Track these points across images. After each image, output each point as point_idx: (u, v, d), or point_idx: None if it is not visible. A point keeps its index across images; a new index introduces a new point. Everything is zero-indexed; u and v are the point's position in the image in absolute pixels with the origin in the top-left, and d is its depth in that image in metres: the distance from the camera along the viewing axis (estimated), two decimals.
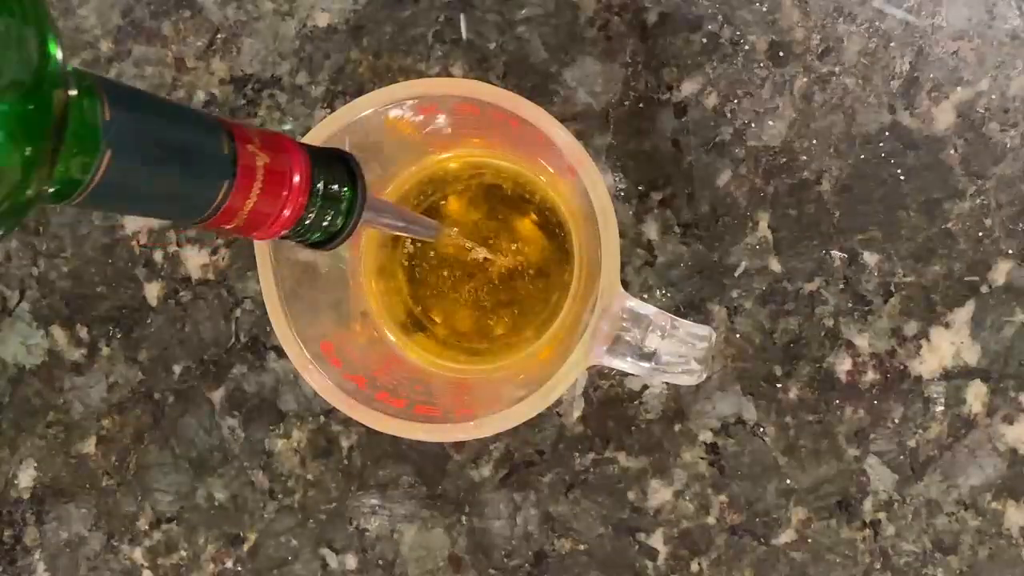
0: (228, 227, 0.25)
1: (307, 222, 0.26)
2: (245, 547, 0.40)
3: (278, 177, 0.25)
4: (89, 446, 0.41)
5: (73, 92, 0.20)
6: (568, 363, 0.29)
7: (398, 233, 0.31)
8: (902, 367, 0.38)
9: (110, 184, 0.21)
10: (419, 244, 0.37)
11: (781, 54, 0.38)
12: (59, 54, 0.19)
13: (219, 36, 0.40)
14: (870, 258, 0.38)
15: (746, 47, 0.38)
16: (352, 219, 0.27)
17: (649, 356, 0.30)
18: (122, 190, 0.22)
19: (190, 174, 0.23)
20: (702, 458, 0.38)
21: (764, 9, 0.38)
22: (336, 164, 0.27)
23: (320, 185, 0.26)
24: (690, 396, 0.38)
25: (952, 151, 0.38)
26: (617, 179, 0.39)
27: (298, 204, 0.26)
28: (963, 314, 0.38)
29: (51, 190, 0.21)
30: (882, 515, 0.38)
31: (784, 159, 0.38)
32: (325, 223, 0.27)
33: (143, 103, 0.23)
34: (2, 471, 0.41)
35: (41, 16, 0.19)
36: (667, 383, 0.38)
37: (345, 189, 0.27)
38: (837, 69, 0.38)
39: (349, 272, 0.36)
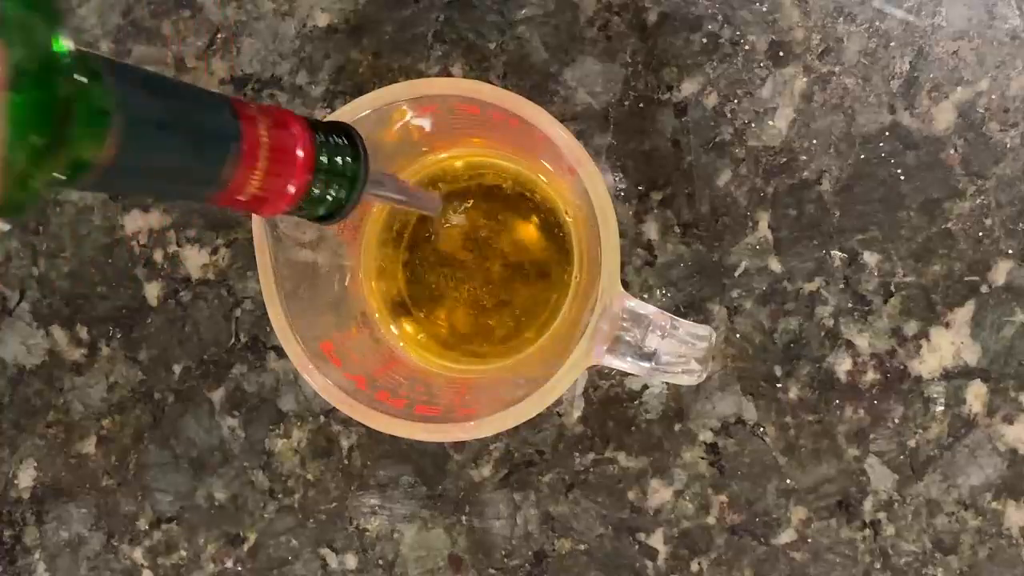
0: (238, 201, 0.25)
1: (313, 196, 0.26)
2: (245, 547, 0.40)
3: (282, 150, 0.25)
4: (89, 446, 0.41)
5: (81, 77, 0.20)
6: (568, 363, 0.29)
7: (401, 206, 0.31)
8: (902, 367, 0.38)
9: (120, 165, 0.21)
10: (419, 244, 0.37)
11: (781, 54, 0.38)
12: (64, 39, 0.19)
13: (219, 36, 0.40)
14: (870, 258, 0.38)
15: (746, 47, 0.38)
16: (356, 192, 0.27)
17: (649, 356, 0.30)
18: (132, 170, 0.22)
19: (198, 149, 0.23)
20: (702, 458, 0.38)
21: (764, 9, 0.38)
22: (339, 137, 0.27)
23: (324, 159, 0.26)
24: (690, 396, 0.38)
25: (952, 151, 0.38)
26: (617, 179, 0.39)
27: (303, 178, 0.26)
28: (963, 314, 0.38)
29: (62, 175, 0.21)
30: (882, 515, 0.38)
31: (784, 159, 0.38)
32: (330, 197, 0.27)
33: (149, 82, 0.23)
34: (2, 471, 0.41)
35: (45, 1, 0.19)
36: (667, 383, 0.38)
37: (349, 161, 0.27)
38: (837, 69, 0.38)
39: (349, 272, 0.36)
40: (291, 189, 0.26)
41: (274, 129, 0.25)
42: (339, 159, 0.27)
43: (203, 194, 0.24)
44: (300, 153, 0.25)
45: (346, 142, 0.27)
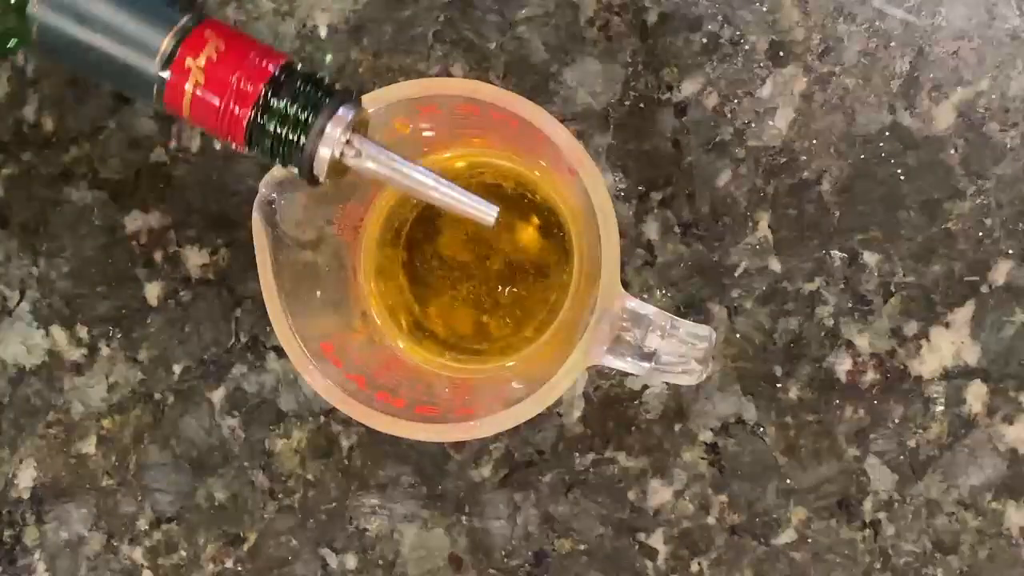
0: (181, 115, 0.26)
1: (266, 139, 0.27)
2: (245, 547, 0.40)
3: (221, 78, 0.26)
4: (89, 446, 0.41)
5: None
6: (568, 363, 0.29)
7: (442, 206, 0.29)
8: (902, 367, 0.38)
9: (48, 51, 0.26)
10: (419, 244, 0.37)
11: (781, 54, 0.38)
12: None
13: None
14: (870, 258, 0.38)
15: (746, 47, 0.38)
16: (308, 144, 0.27)
17: (649, 356, 0.30)
18: (64, 58, 0.26)
19: (121, 61, 0.26)
20: (702, 458, 0.38)
21: (764, 9, 0.38)
22: (318, 91, 0.27)
23: (284, 103, 0.26)
24: (690, 396, 0.38)
25: (952, 151, 0.38)
26: (617, 179, 0.39)
27: (239, 113, 0.26)
28: (963, 314, 0.38)
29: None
30: (882, 515, 0.38)
31: (784, 159, 0.38)
32: (292, 147, 0.27)
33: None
34: (2, 471, 0.41)
35: None
36: (667, 383, 0.38)
37: (306, 114, 0.27)
38: (837, 69, 0.38)
39: (349, 272, 0.36)
40: (236, 111, 0.26)
41: (226, 54, 0.26)
42: (296, 108, 0.26)
43: (143, 99, 0.26)
44: (249, 87, 0.26)
45: (323, 95, 0.27)
